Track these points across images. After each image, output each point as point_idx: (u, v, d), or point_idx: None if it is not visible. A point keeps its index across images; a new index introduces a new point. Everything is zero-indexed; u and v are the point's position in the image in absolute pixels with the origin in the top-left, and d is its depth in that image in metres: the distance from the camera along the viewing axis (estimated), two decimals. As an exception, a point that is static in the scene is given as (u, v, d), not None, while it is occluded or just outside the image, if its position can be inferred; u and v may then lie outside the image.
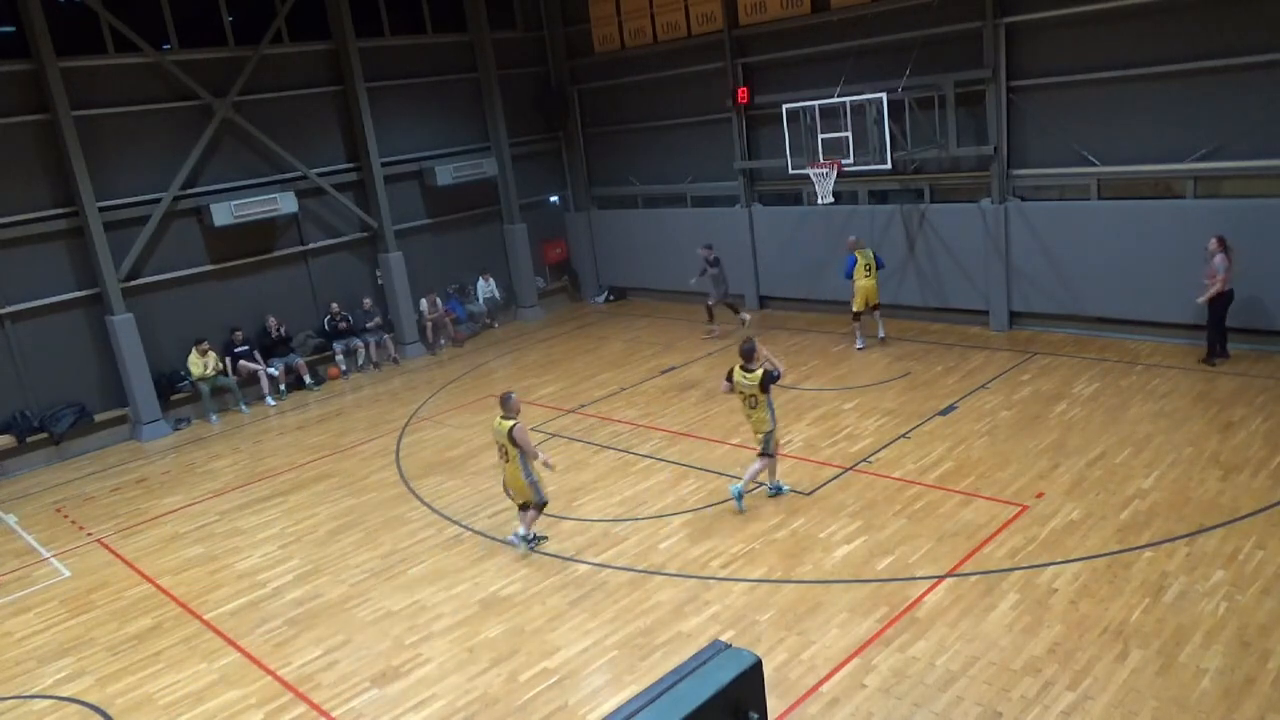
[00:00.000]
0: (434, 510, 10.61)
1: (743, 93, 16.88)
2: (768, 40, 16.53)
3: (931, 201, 15.27)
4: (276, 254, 16.73)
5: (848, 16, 15.14)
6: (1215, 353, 11.94)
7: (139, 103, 14.92)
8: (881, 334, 14.65)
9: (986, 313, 14.87)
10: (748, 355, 9.46)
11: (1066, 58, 13.23)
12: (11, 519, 12.11)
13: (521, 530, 9.23)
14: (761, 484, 9.82)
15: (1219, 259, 11.45)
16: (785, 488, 9.86)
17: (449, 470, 11.78)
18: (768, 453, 9.53)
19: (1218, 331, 11.89)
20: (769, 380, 9.31)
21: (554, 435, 12.55)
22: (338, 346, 16.91)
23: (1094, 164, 13.29)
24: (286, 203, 16.09)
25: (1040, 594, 7.42)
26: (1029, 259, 14.18)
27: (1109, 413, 10.87)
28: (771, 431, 9.49)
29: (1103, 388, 11.71)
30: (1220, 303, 11.64)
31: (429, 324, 18.00)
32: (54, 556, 10.75)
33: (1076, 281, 13.71)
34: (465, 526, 10.04)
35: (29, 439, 14.02)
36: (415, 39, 18.19)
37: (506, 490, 9.34)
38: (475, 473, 11.54)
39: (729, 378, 9.59)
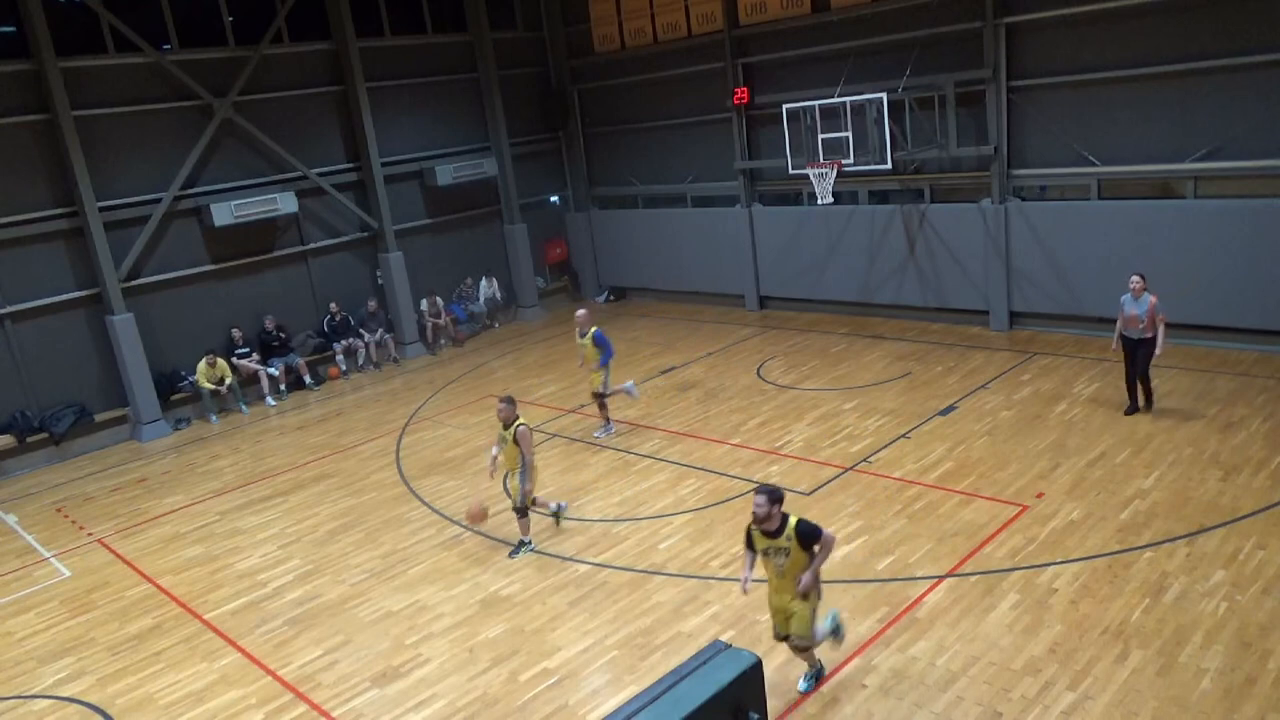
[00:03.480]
0: (434, 510, 10.61)
1: (743, 93, 16.88)
2: (768, 40, 16.53)
3: (932, 201, 15.26)
4: (277, 254, 16.73)
5: (848, 16, 15.14)
6: (1149, 401, 10.73)
7: (139, 103, 14.91)
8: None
9: (987, 313, 14.87)
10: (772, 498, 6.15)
11: (1066, 58, 13.23)
12: (12, 519, 12.11)
13: None
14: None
15: (1150, 299, 10.16)
16: None
17: (449, 470, 11.77)
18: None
19: (1146, 378, 10.59)
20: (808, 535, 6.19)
21: (554, 435, 12.55)
22: (337, 346, 16.91)
23: (1094, 164, 13.29)
24: (286, 203, 16.09)
25: (1040, 594, 7.41)
26: (1029, 259, 14.18)
27: (1109, 413, 10.87)
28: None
29: (1103, 388, 11.70)
30: (1153, 347, 10.27)
31: (429, 324, 18.00)
32: (54, 556, 10.75)
33: (1077, 282, 13.70)
34: (465, 527, 10.02)
35: (29, 439, 14.02)
36: (415, 39, 18.19)
37: None
38: (475, 473, 11.52)
39: (749, 545, 6.42)
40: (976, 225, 14.58)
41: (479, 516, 9.22)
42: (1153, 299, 10.18)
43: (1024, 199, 14.16)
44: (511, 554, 9.25)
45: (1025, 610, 7.22)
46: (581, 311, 12.34)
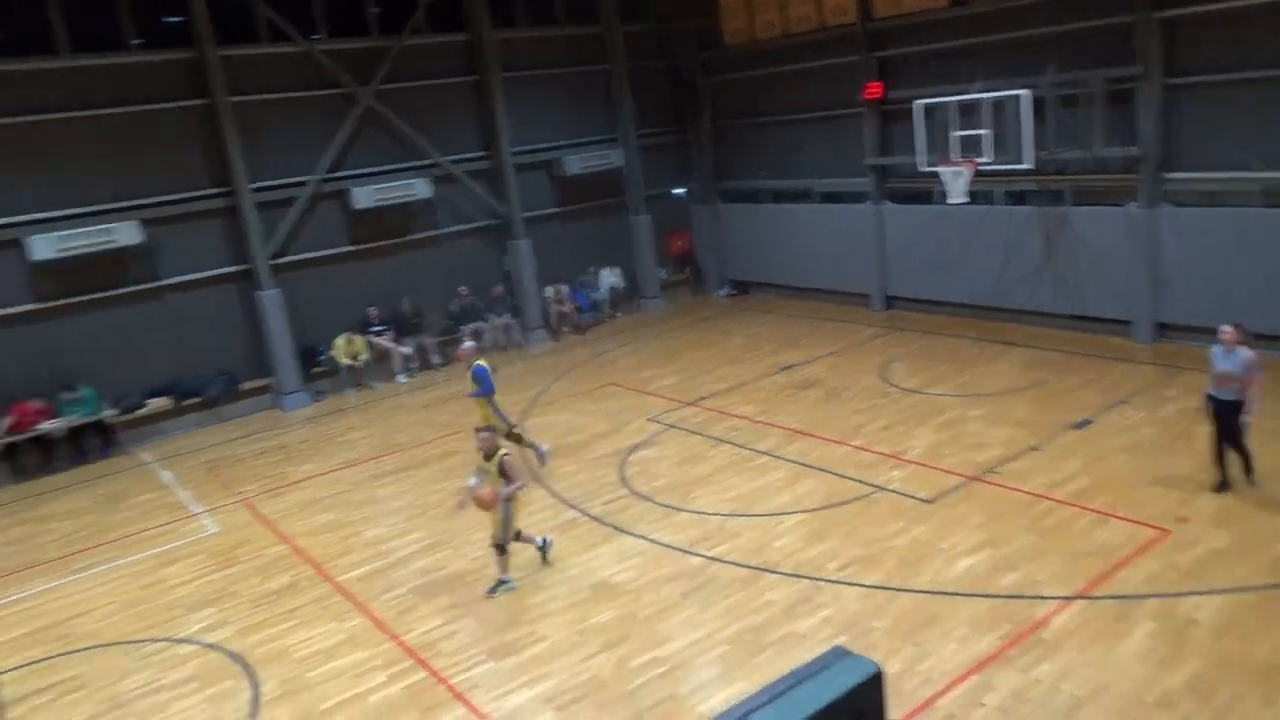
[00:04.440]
0: (552, 493, 10.85)
1: (876, 87, 16.49)
2: (904, 33, 16.07)
3: (1073, 204, 14.54)
4: (411, 237, 17.41)
5: (987, 10, 14.55)
6: (1248, 470, 9.07)
7: (290, 90, 15.79)
8: None
9: (1129, 323, 14.06)
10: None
11: (1229, 53, 12.32)
12: (169, 475, 13.08)
13: None
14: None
15: (1246, 354, 8.63)
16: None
17: (568, 455, 11.99)
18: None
19: (1241, 447, 8.93)
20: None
21: (671, 427, 12.63)
22: (465, 329, 17.47)
23: (1259, 169, 12.37)
24: (422, 189, 16.75)
25: (1179, 624, 7.01)
26: (1180, 268, 13.33)
27: (1265, 436, 10.07)
28: None
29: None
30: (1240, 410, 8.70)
31: (554, 310, 18.37)
32: (204, 513, 11.54)
33: (1233, 294, 12.75)
34: (582, 511, 10.22)
35: (184, 402, 15.11)
36: (548, 30, 18.55)
37: None
38: (593, 459, 11.72)
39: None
40: (1121, 230, 13.81)
41: (487, 501, 8.56)
42: (1249, 354, 8.58)
43: (1178, 204, 13.32)
44: (489, 592, 8.68)
45: (1162, 640, 6.85)
46: (468, 344, 12.00)
